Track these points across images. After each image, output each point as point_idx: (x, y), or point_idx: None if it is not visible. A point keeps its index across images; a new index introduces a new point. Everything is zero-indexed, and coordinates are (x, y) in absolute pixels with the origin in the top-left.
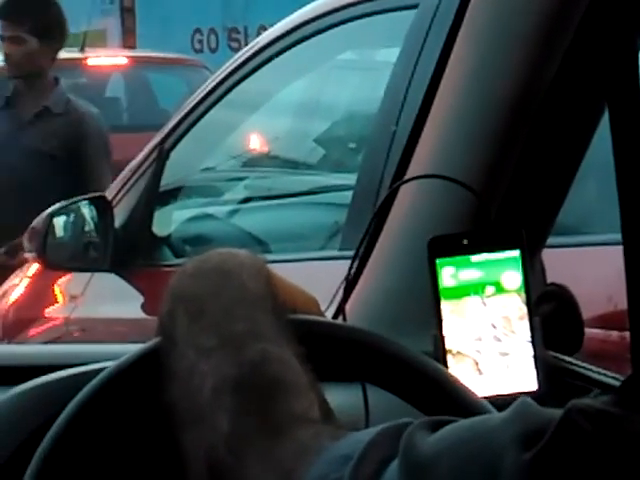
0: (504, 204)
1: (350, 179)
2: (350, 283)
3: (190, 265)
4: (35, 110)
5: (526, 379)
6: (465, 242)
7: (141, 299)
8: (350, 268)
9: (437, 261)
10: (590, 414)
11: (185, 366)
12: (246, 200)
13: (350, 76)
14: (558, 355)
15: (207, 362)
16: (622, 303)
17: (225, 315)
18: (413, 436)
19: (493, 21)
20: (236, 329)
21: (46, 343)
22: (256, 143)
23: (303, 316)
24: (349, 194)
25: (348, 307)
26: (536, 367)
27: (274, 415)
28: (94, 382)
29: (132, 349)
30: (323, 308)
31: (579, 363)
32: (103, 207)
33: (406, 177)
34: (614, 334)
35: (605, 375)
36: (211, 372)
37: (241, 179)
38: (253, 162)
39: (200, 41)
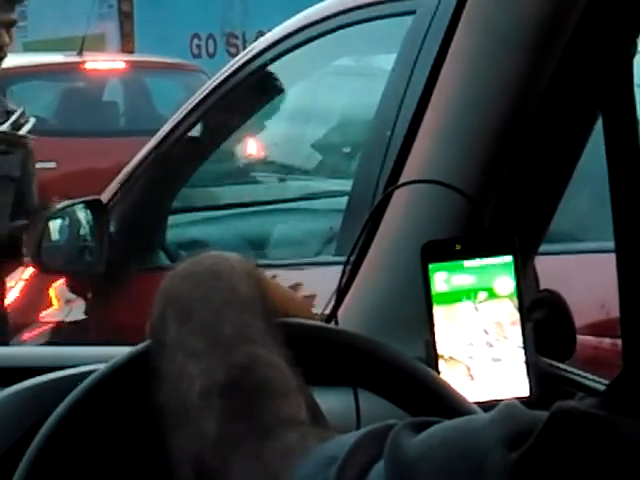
0: (497, 210)
1: (346, 185)
2: (343, 288)
3: (181, 268)
4: None
5: (518, 385)
6: (458, 247)
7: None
8: (342, 273)
9: (430, 266)
10: (576, 416)
11: (174, 369)
12: (242, 205)
13: (347, 82)
14: (550, 361)
15: (196, 365)
16: (615, 310)
17: (215, 318)
18: (398, 437)
19: (488, 28)
20: (225, 332)
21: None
22: (252, 148)
23: (294, 319)
24: (345, 200)
25: (341, 312)
26: (528, 373)
27: (262, 418)
28: (84, 384)
29: (123, 351)
30: (317, 313)
31: (571, 369)
32: (98, 210)
33: (400, 182)
34: (606, 341)
35: (597, 381)
36: (199, 375)
37: (237, 185)
38: (249, 167)
39: (198, 46)
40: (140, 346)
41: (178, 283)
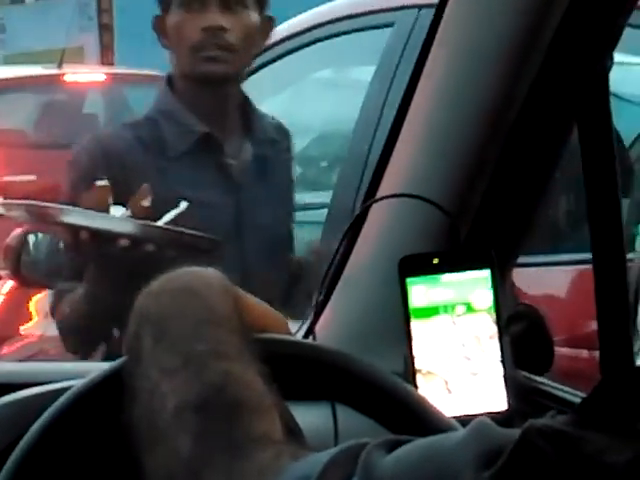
0: (475, 224)
1: (326, 197)
2: (321, 303)
3: (156, 284)
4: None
5: (496, 399)
6: (436, 261)
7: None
8: (320, 288)
9: (407, 280)
10: (547, 434)
11: (148, 386)
12: None
13: (327, 94)
14: (528, 375)
15: (170, 383)
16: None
17: (189, 336)
18: (371, 455)
19: (464, 42)
20: (200, 350)
21: (21, 361)
22: None
23: (270, 335)
24: (324, 212)
25: (319, 326)
26: (506, 387)
27: (235, 437)
28: (60, 402)
29: (100, 367)
30: (295, 327)
31: (549, 383)
32: None
33: (378, 196)
34: (584, 353)
35: (575, 394)
36: (173, 393)
37: None
38: None
39: None
40: (116, 363)
41: (153, 300)
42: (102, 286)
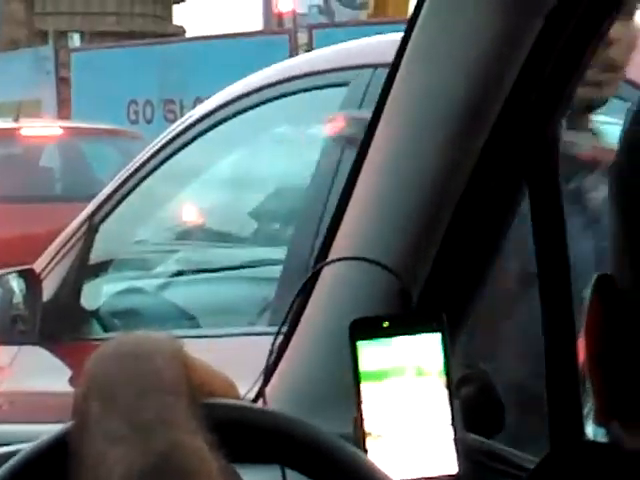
0: (426, 287)
1: (282, 253)
2: (271, 366)
3: (106, 348)
4: None
5: (446, 462)
6: (386, 325)
7: (69, 373)
8: (270, 352)
9: (358, 343)
10: None
11: (94, 453)
12: (177, 274)
13: (284, 150)
14: (479, 438)
15: (116, 450)
16: None
17: (137, 402)
18: None
19: (414, 107)
20: (147, 417)
21: None
22: (189, 216)
23: (218, 400)
24: (280, 268)
25: (270, 389)
26: (456, 450)
27: None
28: (5, 468)
29: (50, 430)
30: (247, 387)
31: (499, 446)
32: (31, 280)
33: (329, 258)
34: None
35: (524, 458)
36: (119, 461)
37: (173, 252)
38: (185, 235)
39: (136, 112)
40: (64, 427)
41: (103, 364)
42: None
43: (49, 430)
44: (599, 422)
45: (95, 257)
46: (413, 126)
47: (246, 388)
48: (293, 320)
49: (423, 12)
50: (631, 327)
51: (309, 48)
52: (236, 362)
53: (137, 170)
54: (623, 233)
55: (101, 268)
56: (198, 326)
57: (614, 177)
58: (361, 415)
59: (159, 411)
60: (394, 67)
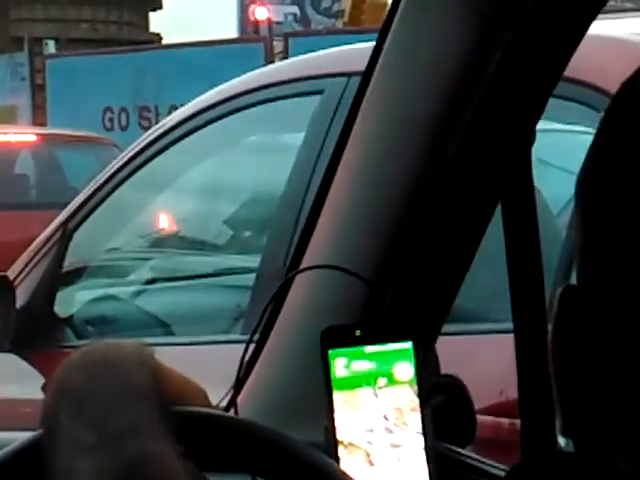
0: (397, 295)
1: (256, 261)
2: (243, 373)
3: (75, 356)
4: None
5: (418, 471)
6: (358, 333)
7: (42, 380)
8: (242, 360)
9: (330, 352)
10: None
11: (63, 463)
12: (151, 281)
13: (259, 158)
14: (450, 446)
15: (86, 460)
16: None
17: (106, 411)
18: None
19: (387, 114)
20: (116, 425)
21: None
22: (163, 223)
23: (189, 408)
24: (253, 276)
25: (241, 397)
26: (428, 459)
27: None
28: None
29: (20, 437)
30: (220, 395)
31: (471, 455)
32: (5, 286)
33: (302, 266)
34: (505, 421)
35: (496, 467)
36: (89, 471)
37: (147, 260)
38: (159, 243)
39: (111, 119)
40: (32, 436)
41: (71, 373)
42: None
43: (18, 437)
44: (564, 434)
45: (69, 264)
46: (385, 135)
47: (219, 396)
48: (265, 328)
49: (395, 21)
50: (593, 335)
51: (285, 56)
52: (209, 370)
53: (111, 177)
54: (585, 242)
55: (75, 275)
56: (172, 334)
57: (577, 187)
58: (333, 423)
59: (128, 419)
60: (366, 76)
